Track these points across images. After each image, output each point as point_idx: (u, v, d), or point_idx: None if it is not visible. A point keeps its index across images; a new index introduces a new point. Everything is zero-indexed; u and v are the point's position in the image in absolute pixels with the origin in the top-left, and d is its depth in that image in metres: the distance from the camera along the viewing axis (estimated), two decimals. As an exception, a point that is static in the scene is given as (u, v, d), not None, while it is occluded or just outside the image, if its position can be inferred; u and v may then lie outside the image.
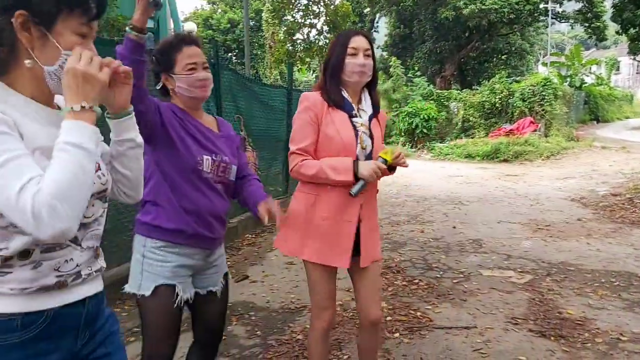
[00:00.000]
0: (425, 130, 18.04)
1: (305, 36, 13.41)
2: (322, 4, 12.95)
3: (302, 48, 13.20)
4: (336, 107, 2.17)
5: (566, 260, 4.96)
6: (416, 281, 4.46)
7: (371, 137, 2.22)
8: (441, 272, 4.73)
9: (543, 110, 17.61)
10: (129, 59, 1.63)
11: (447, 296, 4.10)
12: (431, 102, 19.35)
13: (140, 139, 1.35)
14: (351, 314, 3.66)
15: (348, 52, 2.15)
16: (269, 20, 14.56)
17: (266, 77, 19.64)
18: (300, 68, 15.59)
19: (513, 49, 29.25)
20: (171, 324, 1.93)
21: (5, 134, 1.02)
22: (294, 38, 13.29)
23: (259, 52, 28.78)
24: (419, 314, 3.72)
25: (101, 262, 1.32)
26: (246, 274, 4.71)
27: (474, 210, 7.88)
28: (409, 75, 21.79)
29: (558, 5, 27.05)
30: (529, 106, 17.99)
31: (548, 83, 17.96)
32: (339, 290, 4.20)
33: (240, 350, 3.22)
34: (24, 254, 1.12)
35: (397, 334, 3.38)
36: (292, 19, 13.52)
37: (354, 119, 2.19)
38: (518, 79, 22.44)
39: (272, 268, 4.93)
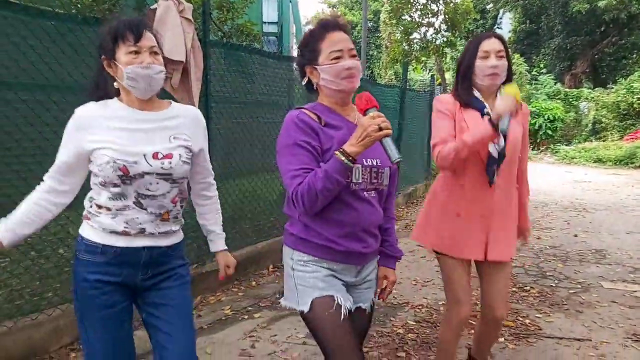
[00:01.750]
0: (549, 132, 16.93)
1: (422, 35, 13.25)
2: (441, 2, 12.70)
3: (418, 47, 13.06)
4: (467, 107, 2.22)
5: None
6: (527, 288, 4.30)
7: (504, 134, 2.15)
8: (556, 281, 4.50)
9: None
10: (331, 178, 1.56)
11: (561, 306, 3.91)
12: (558, 101, 18.08)
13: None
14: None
15: (479, 55, 2.19)
16: (387, 20, 14.60)
17: (381, 77, 19.71)
18: (415, 67, 15.44)
19: (658, 43, 26.16)
20: (344, 337, 1.68)
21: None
22: (411, 37, 13.19)
23: (375, 53, 28.92)
24: (527, 321, 3.60)
25: (171, 226, 1.77)
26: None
27: (599, 218, 7.31)
28: (533, 72, 20.52)
29: None
30: (674, 107, 16.09)
31: (700, 81, 15.90)
32: (442, 291, 4.23)
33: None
34: (108, 208, 1.67)
35: (502, 339, 3.32)
36: (409, 19, 13.43)
37: (486, 117, 2.16)
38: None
39: (379, 264, 5.04)
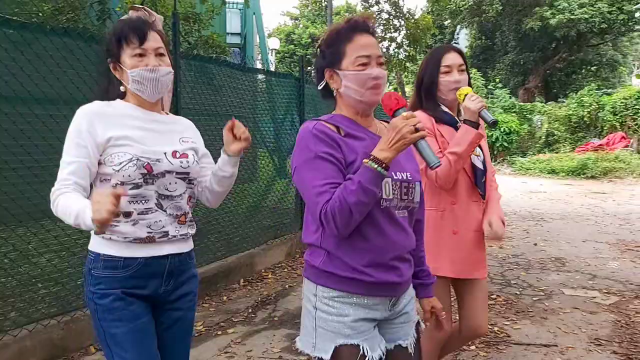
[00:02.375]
0: (505, 144, 17.51)
1: (385, 50, 13.53)
2: (403, 18, 13.02)
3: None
4: (440, 122, 2.21)
5: (658, 284, 4.71)
6: (494, 297, 4.42)
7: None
8: (521, 289, 4.65)
9: (636, 124, 16.52)
10: (365, 190, 1.37)
11: (527, 313, 4.04)
12: (513, 114, 18.75)
13: (235, 173, 1.78)
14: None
15: (441, 70, 2.18)
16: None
17: (344, 90, 19.89)
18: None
19: (604, 60, 27.58)
20: None
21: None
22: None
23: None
24: (496, 328, 3.70)
25: (188, 229, 1.71)
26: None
27: (557, 228, 7.59)
28: (489, 87, 21.25)
29: (656, 13, 25.22)
30: (620, 120, 16.98)
31: (643, 96, 16.84)
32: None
33: None
34: (127, 214, 1.56)
35: (473, 347, 3.40)
36: (372, 33, 13.73)
37: (462, 124, 2.19)
38: (609, 91, 21.16)
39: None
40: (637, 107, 16.66)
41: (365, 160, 1.39)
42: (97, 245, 1.61)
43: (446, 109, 2.25)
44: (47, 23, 4.71)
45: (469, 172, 2.22)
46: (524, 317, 3.96)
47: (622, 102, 17.06)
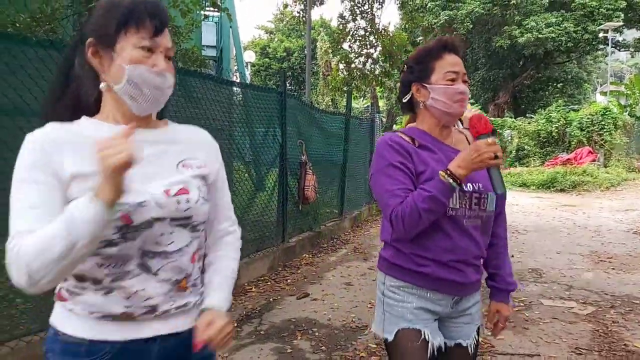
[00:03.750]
0: (478, 158, 17.89)
1: (361, 65, 13.73)
2: (377, 34, 13.26)
3: (358, 76, 13.52)
4: None
5: (631, 294, 4.86)
6: (475, 307, 4.49)
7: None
8: (500, 300, 4.73)
9: (602, 139, 17.14)
10: (435, 199, 1.48)
11: (509, 324, 4.09)
12: (484, 130, 19.20)
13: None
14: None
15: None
16: (323, 49, 15.02)
17: (318, 104, 20.10)
18: (355, 95, 15.96)
19: (569, 77, 28.60)
20: None
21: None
22: (352, 67, 13.64)
23: (312, 80, 29.50)
24: (480, 339, 3.76)
25: (190, 298, 1.21)
26: (307, 292, 4.88)
27: (531, 240, 7.78)
28: (461, 103, 21.72)
29: (618, 34, 26.36)
30: (587, 135, 17.57)
31: (608, 112, 17.52)
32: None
33: (307, 363, 3.38)
34: (96, 281, 1.10)
35: (459, 357, 3.44)
36: (348, 49, 13.92)
37: None
38: (575, 107, 21.92)
39: (331, 287, 5.08)
40: (602, 123, 17.30)
41: (441, 174, 1.49)
42: (56, 316, 1.16)
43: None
44: (23, 33, 4.64)
45: None
46: (506, 327, 4.03)
47: (588, 118, 17.69)
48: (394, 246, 1.67)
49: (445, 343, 1.67)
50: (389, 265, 1.69)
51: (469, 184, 1.60)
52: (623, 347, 3.61)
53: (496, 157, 1.47)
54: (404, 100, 1.71)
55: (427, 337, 1.61)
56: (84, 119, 1.16)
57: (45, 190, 1.04)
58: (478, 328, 1.79)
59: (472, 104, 21.30)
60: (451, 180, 1.47)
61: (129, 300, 1.11)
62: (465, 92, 1.62)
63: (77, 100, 1.18)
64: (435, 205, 1.49)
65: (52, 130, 1.11)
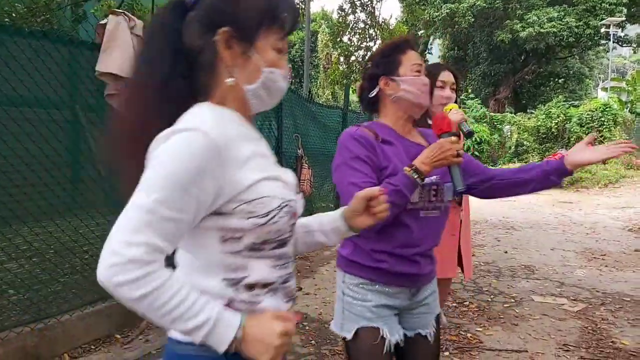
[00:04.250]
0: (477, 153, 17.87)
1: (361, 58, 13.69)
2: (378, 27, 13.21)
3: (357, 69, 13.49)
4: None
5: (622, 291, 4.89)
6: (467, 303, 4.52)
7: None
8: (492, 296, 4.76)
9: (601, 136, 17.10)
10: (400, 194, 1.53)
11: (498, 320, 4.14)
12: (484, 124, 19.18)
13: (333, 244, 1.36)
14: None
15: (437, 84, 2.37)
16: (324, 41, 14.98)
17: (318, 97, 20.08)
18: (354, 89, 15.97)
19: (571, 72, 28.53)
20: None
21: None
22: (350, 60, 13.60)
23: (312, 73, 29.43)
24: (469, 335, 3.79)
25: None
26: (299, 286, 4.91)
27: (526, 236, 7.80)
28: (462, 97, 21.70)
29: (620, 29, 26.25)
30: (586, 132, 17.53)
31: (607, 109, 17.48)
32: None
33: (296, 357, 3.41)
34: (269, 284, 1.05)
35: (447, 353, 3.47)
36: (348, 42, 13.87)
37: None
38: (576, 103, 21.88)
39: (324, 282, 5.11)
40: (602, 119, 17.28)
41: (407, 169, 1.54)
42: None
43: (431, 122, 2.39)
44: (20, 24, 4.64)
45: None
46: (495, 323, 4.06)
47: (588, 114, 17.66)
48: (353, 242, 1.69)
49: (405, 334, 1.72)
50: (348, 262, 1.71)
51: (426, 178, 1.62)
52: (610, 344, 3.63)
53: (458, 155, 1.54)
54: (371, 95, 1.74)
55: (385, 334, 1.64)
56: (224, 108, 1.05)
57: (192, 206, 0.93)
58: (438, 317, 1.83)
59: (472, 98, 21.24)
60: (416, 176, 1.53)
61: (289, 299, 1.11)
62: (428, 84, 1.71)
63: (194, 87, 1.06)
64: (400, 199, 1.53)
65: (219, 126, 0.97)
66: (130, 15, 3.73)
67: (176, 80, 1.03)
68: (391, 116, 1.73)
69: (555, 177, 1.74)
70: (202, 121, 0.96)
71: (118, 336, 3.57)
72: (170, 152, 0.92)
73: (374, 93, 1.74)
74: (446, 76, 2.38)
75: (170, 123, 0.97)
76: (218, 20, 1.02)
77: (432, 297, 1.79)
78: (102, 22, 3.60)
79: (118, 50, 3.50)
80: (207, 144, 0.93)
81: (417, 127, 1.82)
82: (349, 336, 1.66)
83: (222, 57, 1.03)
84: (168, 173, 0.90)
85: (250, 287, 1.02)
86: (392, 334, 1.66)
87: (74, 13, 5.56)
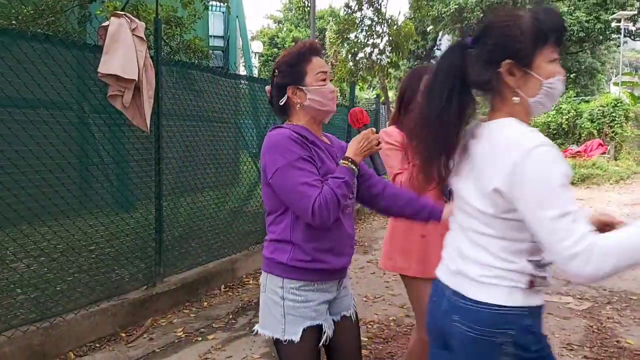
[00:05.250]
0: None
1: (368, 55, 13.65)
2: (385, 24, 13.15)
3: (364, 67, 13.45)
4: None
5: (629, 289, 4.84)
6: (471, 301, 4.50)
7: None
8: (497, 294, 4.74)
9: (613, 132, 16.90)
10: (349, 186, 1.65)
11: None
12: (493, 121, 19.06)
13: None
14: (405, 329, 3.78)
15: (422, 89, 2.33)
16: (331, 39, 14.95)
17: (327, 94, 20.01)
18: (361, 86, 15.89)
19: (583, 67, 28.16)
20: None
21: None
22: (357, 58, 13.56)
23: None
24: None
25: None
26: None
27: (534, 233, 7.74)
28: (471, 93, 21.54)
29: (632, 23, 25.91)
30: (597, 127, 17.34)
31: (619, 104, 17.22)
32: (392, 306, 4.35)
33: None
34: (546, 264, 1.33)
35: (449, 352, 3.46)
36: (355, 39, 13.82)
37: None
38: (587, 98, 21.60)
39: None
40: (613, 114, 17.04)
41: (344, 162, 1.68)
42: (530, 299, 1.33)
43: None
44: (27, 27, 4.69)
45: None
46: (499, 322, 4.04)
47: (599, 110, 17.43)
48: (291, 247, 1.71)
49: (334, 319, 1.82)
50: (287, 268, 1.71)
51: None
52: (615, 343, 3.61)
53: (378, 143, 1.71)
54: (281, 104, 1.81)
55: (326, 329, 1.75)
56: (515, 120, 1.30)
57: None
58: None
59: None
60: (354, 167, 1.67)
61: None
62: (335, 90, 1.82)
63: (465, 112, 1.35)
64: (348, 190, 1.65)
65: None
66: (132, 17, 3.76)
67: (450, 109, 1.32)
68: (304, 121, 1.80)
69: (423, 219, 1.93)
70: (538, 134, 1.22)
71: (123, 334, 3.62)
72: (544, 165, 1.19)
73: (283, 101, 1.80)
74: None
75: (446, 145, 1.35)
76: (500, 56, 1.27)
77: (346, 279, 1.91)
78: (105, 24, 3.63)
79: (120, 52, 3.53)
80: (558, 152, 1.20)
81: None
82: (297, 338, 1.69)
83: (507, 83, 1.29)
84: (555, 183, 1.17)
85: (544, 266, 1.31)
86: (330, 327, 1.78)
87: (78, 15, 5.60)
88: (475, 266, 1.33)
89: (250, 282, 5.01)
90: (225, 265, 4.92)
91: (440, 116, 1.33)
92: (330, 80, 1.83)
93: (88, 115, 3.97)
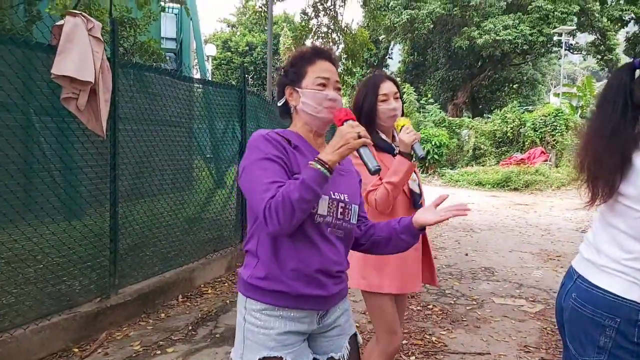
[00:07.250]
0: (436, 157, 18.21)
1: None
2: (340, 32, 13.28)
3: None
4: (379, 150, 2.30)
5: (577, 292, 5.06)
6: (430, 306, 4.58)
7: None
8: (454, 299, 4.84)
9: (554, 140, 17.75)
10: (307, 187, 1.40)
11: (461, 322, 4.22)
12: (443, 128, 19.57)
13: None
14: (368, 336, 3.79)
15: (379, 98, 2.29)
16: (286, 44, 14.95)
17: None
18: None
19: (525, 78, 29.48)
20: None
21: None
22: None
23: (274, 75, 29.34)
24: (434, 338, 3.84)
25: None
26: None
27: (485, 238, 7.99)
28: (421, 102, 22.08)
29: (571, 37, 27.37)
30: (540, 136, 18.16)
31: (560, 114, 18.14)
32: (356, 313, 4.35)
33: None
34: None
35: (413, 357, 3.50)
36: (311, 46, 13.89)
37: (397, 154, 2.30)
38: (530, 108, 22.62)
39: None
40: (555, 124, 17.91)
41: (310, 162, 1.44)
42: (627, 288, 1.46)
43: (383, 136, 2.36)
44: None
45: (407, 195, 2.36)
46: (458, 326, 4.13)
47: (541, 119, 18.28)
48: (257, 258, 1.55)
49: (317, 359, 1.63)
50: (248, 286, 1.56)
51: (336, 193, 1.58)
52: (568, 344, 3.75)
53: (360, 136, 1.46)
54: (280, 104, 1.70)
55: None
56: None
57: None
58: (355, 335, 1.75)
59: (431, 103, 21.65)
60: (319, 166, 1.42)
61: None
62: (335, 98, 1.62)
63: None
64: (307, 193, 1.39)
65: None
66: (88, 16, 3.60)
67: (625, 128, 1.40)
68: (300, 127, 1.66)
69: (406, 236, 1.72)
70: None
71: (75, 350, 3.43)
72: None
73: (281, 102, 1.70)
74: (387, 88, 2.31)
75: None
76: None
77: (343, 317, 1.69)
78: (59, 23, 3.46)
79: (75, 53, 3.37)
80: None
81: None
82: None
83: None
84: None
85: None
86: None
87: (27, 13, 5.33)
88: (606, 259, 1.49)
89: (209, 291, 4.89)
90: (182, 275, 4.77)
91: (616, 130, 1.42)
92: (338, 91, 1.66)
93: (39, 117, 3.76)
